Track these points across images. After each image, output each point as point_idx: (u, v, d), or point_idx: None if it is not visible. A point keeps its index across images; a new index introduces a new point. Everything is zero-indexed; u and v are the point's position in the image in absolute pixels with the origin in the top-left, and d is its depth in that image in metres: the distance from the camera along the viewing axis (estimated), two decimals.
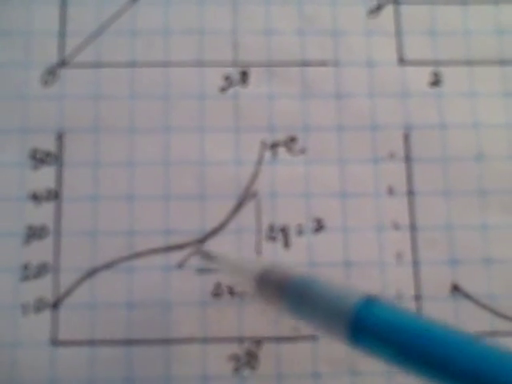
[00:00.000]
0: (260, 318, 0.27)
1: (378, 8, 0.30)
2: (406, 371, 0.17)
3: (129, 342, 0.26)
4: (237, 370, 0.26)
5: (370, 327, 0.18)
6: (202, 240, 0.27)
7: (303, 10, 0.29)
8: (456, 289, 0.27)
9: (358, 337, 0.19)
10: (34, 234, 0.27)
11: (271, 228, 0.27)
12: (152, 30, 0.29)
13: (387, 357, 0.18)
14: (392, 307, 0.19)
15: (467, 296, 0.27)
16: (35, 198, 0.27)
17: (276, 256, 0.27)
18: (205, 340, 0.26)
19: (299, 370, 0.26)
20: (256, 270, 0.24)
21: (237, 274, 0.26)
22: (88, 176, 0.27)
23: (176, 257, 0.27)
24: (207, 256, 0.27)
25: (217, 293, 0.27)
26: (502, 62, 0.29)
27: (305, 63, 0.29)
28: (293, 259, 0.27)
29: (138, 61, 0.29)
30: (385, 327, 0.18)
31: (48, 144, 0.28)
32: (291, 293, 0.22)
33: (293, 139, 0.28)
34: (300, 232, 0.27)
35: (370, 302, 0.19)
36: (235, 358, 0.26)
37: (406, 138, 0.28)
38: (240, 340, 0.26)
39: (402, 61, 0.29)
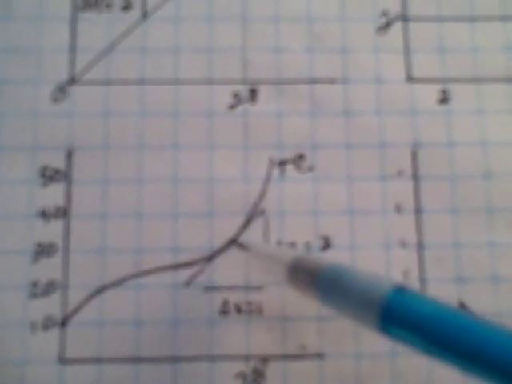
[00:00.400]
0: (267, 335, 0.27)
1: (387, 25, 0.30)
2: (436, 360, 0.17)
3: (136, 360, 0.26)
4: None
5: (400, 316, 0.18)
6: (210, 257, 0.27)
7: (312, 27, 0.29)
8: (462, 306, 0.27)
9: (388, 326, 0.19)
10: (43, 251, 0.27)
11: (279, 245, 0.27)
12: (162, 48, 0.29)
13: (418, 346, 0.18)
14: (423, 297, 0.19)
15: (473, 314, 0.27)
16: (44, 215, 0.27)
17: None
18: (212, 358, 0.26)
19: None
20: (288, 258, 0.24)
21: (269, 262, 0.26)
22: (97, 193, 0.28)
23: (184, 274, 0.27)
24: (240, 246, 0.27)
25: (224, 310, 0.27)
26: (510, 80, 0.29)
27: (313, 81, 0.29)
28: None
29: (147, 78, 0.29)
30: (415, 316, 0.18)
31: (57, 161, 0.28)
32: (323, 281, 0.22)
33: (301, 157, 0.28)
34: (308, 249, 0.27)
35: (400, 292, 0.19)
36: (242, 376, 0.26)
37: (414, 155, 0.28)
38: (247, 358, 0.27)
39: (410, 78, 0.29)
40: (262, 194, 0.28)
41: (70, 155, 0.28)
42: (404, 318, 0.18)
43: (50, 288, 0.27)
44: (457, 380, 0.26)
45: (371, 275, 0.21)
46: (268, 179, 0.28)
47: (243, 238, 0.27)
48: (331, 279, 0.21)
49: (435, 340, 0.17)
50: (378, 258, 0.27)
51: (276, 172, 0.28)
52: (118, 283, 0.27)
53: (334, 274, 0.21)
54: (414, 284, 0.27)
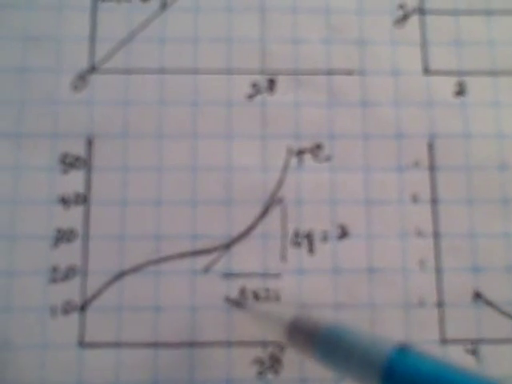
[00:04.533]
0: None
1: (404, 18, 0.30)
2: None
3: (155, 345, 0.27)
4: (260, 373, 0.26)
5: (402, 377, 0.18)
6: (228, 245, 0.27)
7: (330, 19, 0.30)
8: (478, 296, 0.27)
9: None
10: (63, 237, 0.27)
11: (296, 234, 0.28)
12: (181, 38, 0.29)
13: None
14: (425, 357, 0.19)
15: (489, 303, 0.27)
16: (64, 201, 0.28)
17: (301, 262, 0.27)
18: (229, 344, 0.27)
19: (322, 374, 0.27)
20: (287, 319, 0.24)
21: (268, 323, 0.26)
22: (116, 181, 0.28)
23: (202, 261, 0.27)
24: (238, 304, 0.27)
25: (242, 297, 0.27)
26: None
27: (331, 72, 0.29)
28: (317, 265, 0.27)
29: (166, 67, 0.29)
30: (418, 378, 0.18)
31: (78, 149, 0.28)
32: (322, 342, 0.22)
33: (318, 146, 0.28)
34: (325, 238, 0.28)
35: (402, 352, 0.19)
36: (259, 361, 0.27)
37: (431, 146, 0.29)
38: (264, 344, 0.27)
39: (427, 70, 0.29)
40: (280, 183, 0.28)
41: (89, 143, 0.28)
42: (406, 379, 0.18)
43: (69, 273, 0.27)
44: (470, 362, 0.26)
45: (372, 335, 0.21)
46: (286, 168, 0.28)
47: (241, 299, 0.27)
48: (330, 340, 0.21)
49: None
50: (394, 248, 0.28)
51: (294, 161, 0.28)
52: (136, 269, 0.27)
53: (333, 334, 0.21)
54: (429, 273, 0.27)
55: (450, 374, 0.18)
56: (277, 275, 0.27)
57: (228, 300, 0.27)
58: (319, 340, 0.22)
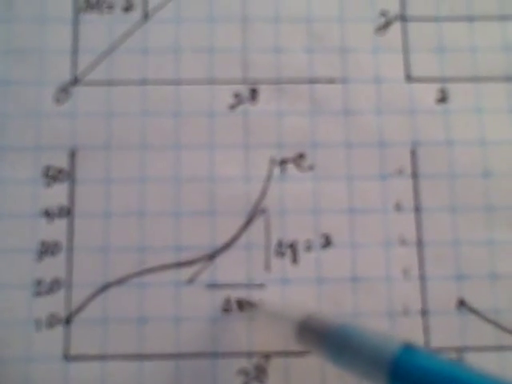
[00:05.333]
0: (269, 332, 0.27)
1: (386, 25, 0.30)
2: None
3: (140, 357, 0.27)
4: None
5: (409, 375, 0.19)
6: (212, 256, 0.27)
7: (312, 27, 0.30)
8: (462, 304, 0.27)
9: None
10: (47, 250, 0.27)
11: (280, 244, 0.28)
12: (163, 48, 0.29)
13: None
14: (431, 355, 0.19)
15: (473, 311, 0.27)
16: (48, 214, 0.28)
17: (285, 272, 0.27)
18: (214, 355, 0.27)
19: None
20: (296, 318, 0.24)
21: (277, 322, 0.26)
22: (100, 192, 0.28)
23: (186, 272, 0.27)
24: (248, 304, 0.27)
25: (226, 308, 0.27)
26: (509, 79, 0.30)
27: (313, 80, 0.29)
28: (301, 275, 0.27)
29: (149, 79, 0.29)
30: (424, 376, 0.18)
31: (61, 161, 0.28)
32: (331, 341, 0.22)
33: (301, 156, 0.29)
34: (308, 248, 0.28)
35: (409, 350, 0.19)
36: (244, 372, 0.27)
37: (414, 154, 0.29)
38: (249, 355, 0.27)
39: (409, 78, 0.29)
40: (263, 193, 0.28)
41: (73, 155, 0.28)
42: (412, 376, 0.19)
43: (54, 286, 0.27)
44: None
45: (380, 334, 0.21)
46: (269, 178, 0.28)
47: (251, 298, 0.27)
48: (340, 339, 0.22)
49: None
50: (378, 256, 0.28)
51: (277, 171, 0.28)
52: (121, 281, 0.27)
53: (343, 333, 0.22)
54: (413, 282, 0.28)
55: (456, 371, 0.18)
56: (261, 285, 0.27)
57: (238, 301, 0.27)
58: (329, 339, 0.22)
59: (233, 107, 0.29)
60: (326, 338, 0.22)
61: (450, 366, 0.18)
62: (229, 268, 0.27)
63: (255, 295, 0.27)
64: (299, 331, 0.24)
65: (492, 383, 0.17)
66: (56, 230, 0.28)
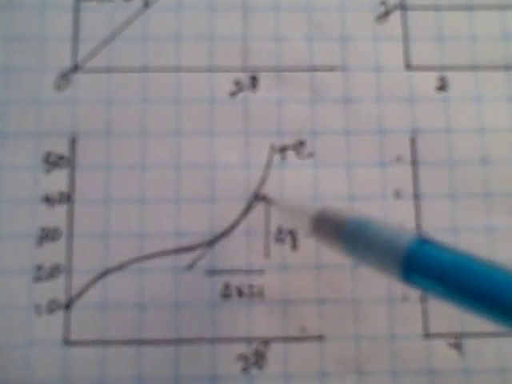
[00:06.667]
0: (268, 318, 0.27)
1: (386, 14, 0.30)
2: (456, 306, 0.18)
3: (139, 342, 0.27)
4: (245, 369, 0.27)
5: (422, 265, 0.19)
6: (212, 242, 0.28)
7: (312, 16, 0.30)
8: None
9: (411, 274, 0.19)
10: (47, 235, 0.27)
11: (279, 230, 0.28)
12: (163, 36, 0.29)
13: (438, 292, 0.19)
14: (443, 246, 0.19)
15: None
16: (48, 200, 0.28)
17: (284, 258, 0.27)
18: (214, 340, 0.27)
19: (306, 369, 0.27)
20: (311, 212, 0.24)
21: (294, 215, 0.26)
22: (100, 179, 0.28)
23: (186, 258, 0.27)
24: (266, 200, 0.27)
25: (226, 294, 0.27)
26: (508, 67, 0.30)
27: (313, 68, 0.29)
28: (300, 261, 0.28)
29: (149, 66, 0.29)
30: (436, 264, 0.18)
31: (61, 148, 0.28)
32: (347, 233, 0.22)
33: (301, 143, 0.29)
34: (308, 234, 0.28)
35: (422, 242, 0.20)
36: (243, 358, 0.27)
37: (413, 142, 0.29)
38: (248, 340, 0.27)
39: (408, 66, 0.30)
40: (263, 180, 0.28)
41: (73, 142, 0.28)
42: (425, 266, 0.19)
43: (54, 272, 0.27)
44: (453, 356, 0.27)
45: (394, 228, 0.21)
46: (269, 165, 0.28)
47: (269, 194, 0.28)
48: (355, 230, 0.22)
49: (455, 286, 0.18)
50: None
51: (277, 158, 0.29)
52: (121, 267, 0.27)
53: (358, 225, 0.22)
54: None
55: (469, 261, 0.18)
56: (260, 271, 0.27)
57: (257, 195, 0.27)
58: (344, 230, 0.22)
59: (233, 95, 0.29)
60: (341, 230, 0.22)
61: (463, 257, 0.18)
62: (228, 254, 0.28)
63: (255, 281, 0.27)
64: (314, 224, 0.24)
65: (503, 273, 0.17)
66: (56, 216, 0.28)
